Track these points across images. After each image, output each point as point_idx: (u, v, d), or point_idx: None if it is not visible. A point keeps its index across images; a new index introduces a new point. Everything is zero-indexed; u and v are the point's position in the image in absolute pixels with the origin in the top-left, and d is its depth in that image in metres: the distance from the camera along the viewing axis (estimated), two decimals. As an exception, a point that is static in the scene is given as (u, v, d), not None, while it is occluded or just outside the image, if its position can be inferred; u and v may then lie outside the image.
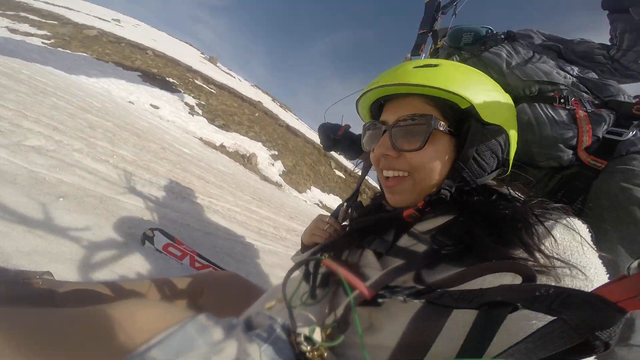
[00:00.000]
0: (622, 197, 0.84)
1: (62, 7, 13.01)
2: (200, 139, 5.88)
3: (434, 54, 1.59)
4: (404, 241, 0.58)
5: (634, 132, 0.89)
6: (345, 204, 0.86)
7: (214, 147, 5.95)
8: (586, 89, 1.01)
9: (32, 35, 7.46)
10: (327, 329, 0.50)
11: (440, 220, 0.57)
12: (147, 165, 2.69)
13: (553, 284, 0.42)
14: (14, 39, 6.33)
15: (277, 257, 2.45)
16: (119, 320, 0.44)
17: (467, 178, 0.60)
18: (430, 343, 0.41)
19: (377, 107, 0.69)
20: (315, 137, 13.34)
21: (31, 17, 9.33)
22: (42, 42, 7.12)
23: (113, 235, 1.36)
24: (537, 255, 0.46)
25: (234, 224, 2.65)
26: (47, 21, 9.49)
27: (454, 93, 0.57)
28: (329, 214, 0.87)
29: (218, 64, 19.43)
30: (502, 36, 1.22)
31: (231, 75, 18.19)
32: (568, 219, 0.52)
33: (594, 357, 0.30)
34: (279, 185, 6.65)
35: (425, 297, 0.42)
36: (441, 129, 0.58)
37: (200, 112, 7.58)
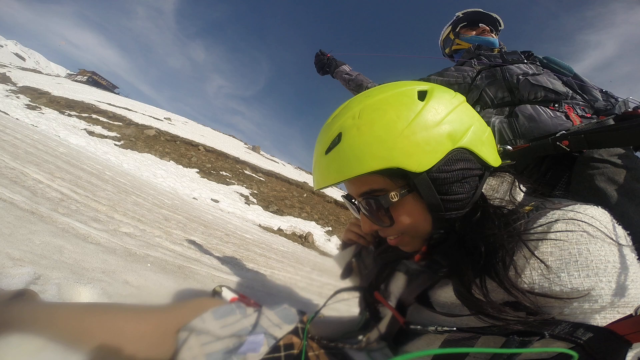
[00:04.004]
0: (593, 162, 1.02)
1: (122, 108, 15.45)
2: (259, 225, 6.36)
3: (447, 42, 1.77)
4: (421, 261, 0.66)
5: None
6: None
7: (272, 231, 6.34)
8: (582, 100, 1.23)
9: (106, 137, 9.18)
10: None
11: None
12: (215, 247, 3.00)
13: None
14: (92, 142, 7.93)
15: (338, 313, 2.41)
16: (191, 305, 0.74)
17: (453, 215, 0.57)
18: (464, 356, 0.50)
19: None
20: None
21: (101, 118, 11.22)
22: (115, 144, 8.70)
23: (189, 288, 1.59)
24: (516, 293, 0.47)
25: (295, 288, 2.72)
26: (114, 122, 11.33)
27: (364, 174, 0.55)
28: None
29: (261, 152, 21.12)
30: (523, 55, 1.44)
31: (274, 161, 19.48)
32: (578, 212, 0.49)
33: None
34: (338, 259, 6.61)
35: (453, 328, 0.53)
36: (394, 200, 0.57)
37: (255, 200, 8.35)
